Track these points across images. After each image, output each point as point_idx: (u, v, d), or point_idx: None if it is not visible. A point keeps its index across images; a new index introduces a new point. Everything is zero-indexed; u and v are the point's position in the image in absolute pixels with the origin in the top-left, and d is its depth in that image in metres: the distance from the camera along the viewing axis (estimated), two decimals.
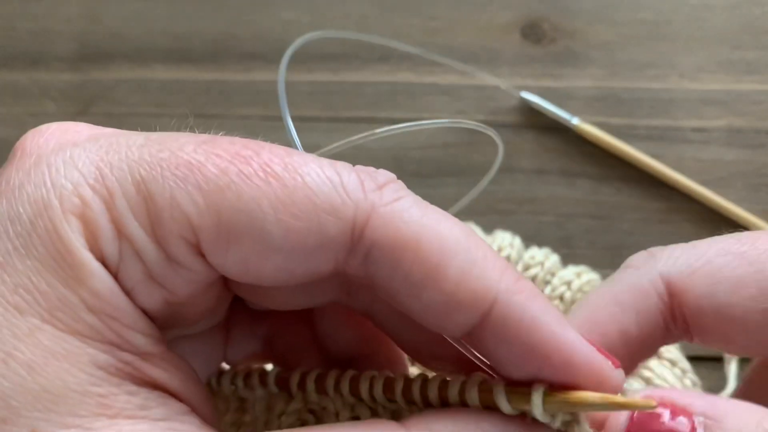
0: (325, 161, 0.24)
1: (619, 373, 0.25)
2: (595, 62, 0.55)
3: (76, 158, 0.24)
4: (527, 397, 0.24)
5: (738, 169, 0.54)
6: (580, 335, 0.24)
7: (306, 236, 0.23)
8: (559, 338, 0.23)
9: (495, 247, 0.45)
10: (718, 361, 0.48)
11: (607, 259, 0.52)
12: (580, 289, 0.45)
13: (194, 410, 0.24)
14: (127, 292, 0.24)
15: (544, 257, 0.47)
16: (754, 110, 0.55)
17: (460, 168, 0.54)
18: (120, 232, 0.23)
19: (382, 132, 0.35)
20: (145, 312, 0.25)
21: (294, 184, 0.23)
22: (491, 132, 0.39)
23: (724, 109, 0.55)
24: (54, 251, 0.23)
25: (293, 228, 0.23)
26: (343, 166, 0.24)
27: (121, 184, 0.24)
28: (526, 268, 0.46)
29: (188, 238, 0.24)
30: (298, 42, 0.41)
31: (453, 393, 0.25)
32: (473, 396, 0.25)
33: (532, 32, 0.56)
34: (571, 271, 0.47)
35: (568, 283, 0.46)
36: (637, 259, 0.29)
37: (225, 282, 0.27)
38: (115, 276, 0.24)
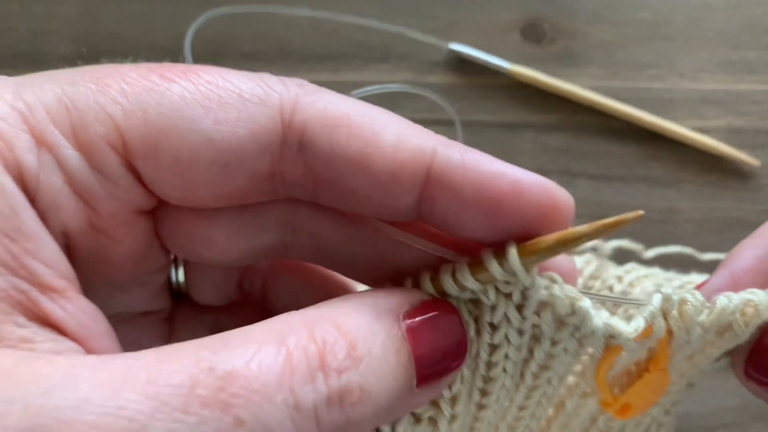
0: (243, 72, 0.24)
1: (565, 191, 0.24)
2: (595, 62, 0.55)
3: None
4: (498, 259, 0.23)
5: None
6: None
7: (236, 125, 0.22)
8: (501, 166, 0.23)
9: None
10: None
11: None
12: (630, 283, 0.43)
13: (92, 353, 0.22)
14: (44, 212, 0.22)
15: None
16: (754, 110, 0.55)
17: None
18: (39, 141, 0.22)
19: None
20: (65, 235, 0.23)
21: (218, 81, 0.23)
22: (444, 103, 0.40)
23: (724, 109, 0.55)
24: None
25: (222, 118, 0.22)
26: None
27: (39, 97, 0.22)
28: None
29: (114, 144, 0.22)
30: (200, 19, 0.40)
31: (427, 284, 0.25)
32: (427, 283, 0.25)
33: (532, 32, 0.56)
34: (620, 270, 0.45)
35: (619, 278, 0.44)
36: None
37: (155, 230, 0.26)
38: (35, 190, 0.22)
